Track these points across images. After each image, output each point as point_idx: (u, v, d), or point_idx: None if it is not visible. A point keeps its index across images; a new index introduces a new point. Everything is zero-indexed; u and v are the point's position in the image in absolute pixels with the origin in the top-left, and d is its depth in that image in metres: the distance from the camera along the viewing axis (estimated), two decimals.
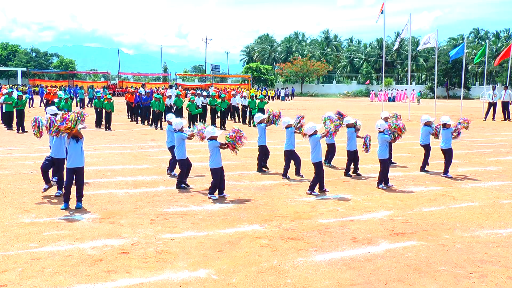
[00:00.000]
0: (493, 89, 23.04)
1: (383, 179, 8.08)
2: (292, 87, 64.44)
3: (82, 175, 6.58)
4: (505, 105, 23.33)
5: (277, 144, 12.37)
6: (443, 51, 66.99)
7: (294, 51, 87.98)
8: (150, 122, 19.55)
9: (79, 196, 6.55)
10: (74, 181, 6.54)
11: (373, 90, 59.99)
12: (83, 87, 42.36)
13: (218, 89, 40.70)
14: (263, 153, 9.42)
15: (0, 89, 27.09)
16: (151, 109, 19.06)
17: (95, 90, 34.26)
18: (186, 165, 7.89)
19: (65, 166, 6.78)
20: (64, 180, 6.65)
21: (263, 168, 9.43)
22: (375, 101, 51.18)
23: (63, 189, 7.06)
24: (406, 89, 54.34)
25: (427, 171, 9.49)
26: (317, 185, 7.60)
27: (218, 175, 7.16)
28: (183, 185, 7.86)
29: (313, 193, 7.49)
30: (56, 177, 7.39)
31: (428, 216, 6.35)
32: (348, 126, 9.06)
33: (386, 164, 8.07)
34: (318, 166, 7.54)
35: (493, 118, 23.21)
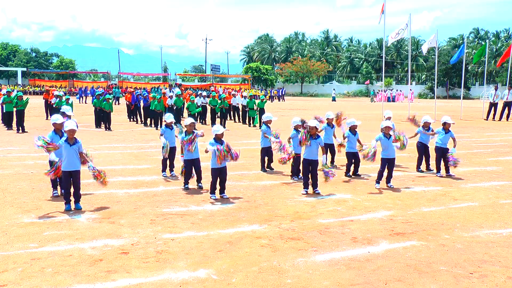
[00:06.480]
0: (495, 89, 23.03)
1: (379, 178, 8.15)
2: (283, 87, 61.75)
3: (79, 178, 6.52)
4: (507, 105, 23.27)
5: None
6: (443, 51, 66.98)
7: (294, 51, 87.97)
8: (145, 123, 19.62)
9: (77, 197, 6.53)
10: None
11: (380, 90, 59.13)
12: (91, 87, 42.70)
13: (217, 89, 40.64)
14: (264, 155, 9.50)
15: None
16: (143, 109, 19.25)
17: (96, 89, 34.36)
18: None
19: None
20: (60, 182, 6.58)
21: (268, 168, 9.55)
22: (374, 101, 51.10)
23: (58, 189, 7.08)
24: (407, 90, 54.17)
25: (422, 171, 9.53)
26: (310, 186, 7.60)
27: (217, 174, 7.15)
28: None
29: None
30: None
31: (428, 216, 6.35)
32: (351, 128, 9.06)
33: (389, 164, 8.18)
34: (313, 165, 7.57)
35: (494, 118, 23.21)
